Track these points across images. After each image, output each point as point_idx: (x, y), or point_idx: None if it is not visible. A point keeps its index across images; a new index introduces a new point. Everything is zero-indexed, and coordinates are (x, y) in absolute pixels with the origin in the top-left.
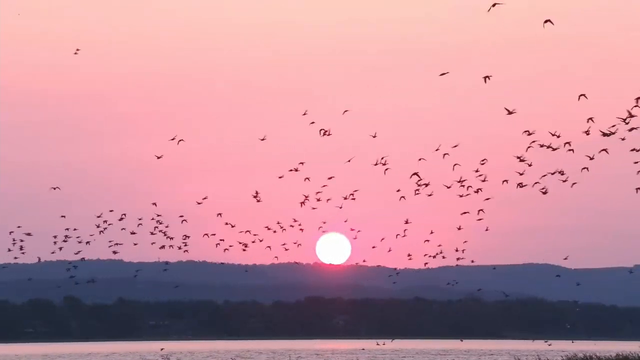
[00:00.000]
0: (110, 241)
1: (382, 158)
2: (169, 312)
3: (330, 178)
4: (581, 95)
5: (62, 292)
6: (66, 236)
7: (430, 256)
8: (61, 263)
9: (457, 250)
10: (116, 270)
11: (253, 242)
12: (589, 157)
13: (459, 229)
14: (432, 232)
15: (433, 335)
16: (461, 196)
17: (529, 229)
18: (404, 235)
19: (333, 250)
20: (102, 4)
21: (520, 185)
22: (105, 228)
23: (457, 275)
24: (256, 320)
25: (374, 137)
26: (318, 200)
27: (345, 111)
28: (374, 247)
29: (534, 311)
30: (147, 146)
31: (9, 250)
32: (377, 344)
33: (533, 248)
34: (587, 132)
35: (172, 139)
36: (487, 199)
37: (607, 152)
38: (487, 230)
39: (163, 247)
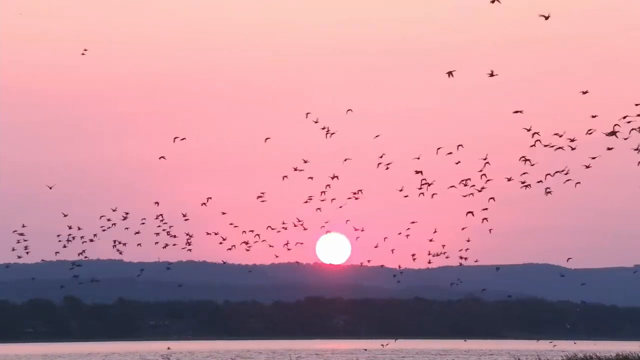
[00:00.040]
0: (115, 240)
1: (381, 156)
2: (169, 312)
3: (334, 177)
4: (585, 92)
5: (62, 292)
6: (70, 235)
7: (434, 255)
8: (61, 263)
9: (460, 250)
10: (116, 270)
11: (255, 241)
12: (592, 157)
13: (463, 229)
14: (435, 231)
15: (433, 335)
16: (466, 196)
17: (529, 229)
18: (407, 235)
19: (333, 250)
20: (102, 4)
21: (524, 183)
22: (109, 227)
23: (457, 275)
24: (256, 320)
25: (377, 137)
26: (322, 200)
27: (349, 110)
28: (376, 247)
29: (534, 311)
30: (147, 146)
31: (13, 249)
32: (382, 345)
33: (533, 248)
34: (589, 132)
35: (175, 138)
36: (492, 198)
37: (606, 149)
38: (490, 231)
39: (166, 246)
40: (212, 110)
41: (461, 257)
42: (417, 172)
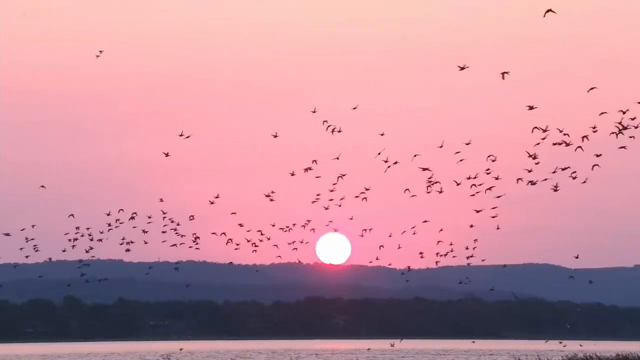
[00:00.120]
0: (122, 238)
1: (378, 154)
2: (169, 312)
3: (341, 176)
4: (591, 88)
5: (62, 292)
6: (77, 233)
7: (441, 255)
8: (61, 263)
9: (467, 249)
10: (116, 270)
11: (261, 241)
12: (597, 154)
13: (472, 226)
14: (441, 230)
15: (433, 335)
16: (473, 195)
17: (529, 229)
18: (414, 233)
19: (333, 250)
20: (102, 4)
21: (531, 182)
22: (117, 226)
23: (457, 275)
24: (256, 320)
25: (382, 135)
26: (330, 200)
27: (354, 108)
28: (381, 247)
29: (534, 311)
30: (147, 146)
31: (21, 248)
32: (391, 345)
33: (533, 248)
34: (593, 130)
35: (181, 135)
36: (499, 196)
37: (607, 146)
38: (498, 227)
39: (175, 245)
40: (212, 110)
41: (468, 257)
42: (424, 169)
